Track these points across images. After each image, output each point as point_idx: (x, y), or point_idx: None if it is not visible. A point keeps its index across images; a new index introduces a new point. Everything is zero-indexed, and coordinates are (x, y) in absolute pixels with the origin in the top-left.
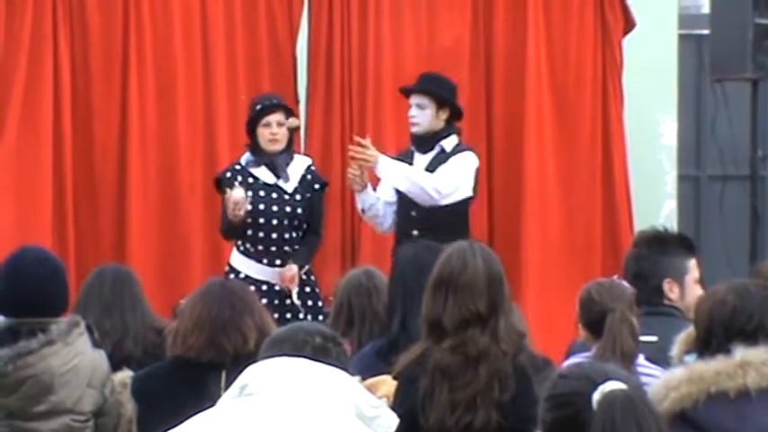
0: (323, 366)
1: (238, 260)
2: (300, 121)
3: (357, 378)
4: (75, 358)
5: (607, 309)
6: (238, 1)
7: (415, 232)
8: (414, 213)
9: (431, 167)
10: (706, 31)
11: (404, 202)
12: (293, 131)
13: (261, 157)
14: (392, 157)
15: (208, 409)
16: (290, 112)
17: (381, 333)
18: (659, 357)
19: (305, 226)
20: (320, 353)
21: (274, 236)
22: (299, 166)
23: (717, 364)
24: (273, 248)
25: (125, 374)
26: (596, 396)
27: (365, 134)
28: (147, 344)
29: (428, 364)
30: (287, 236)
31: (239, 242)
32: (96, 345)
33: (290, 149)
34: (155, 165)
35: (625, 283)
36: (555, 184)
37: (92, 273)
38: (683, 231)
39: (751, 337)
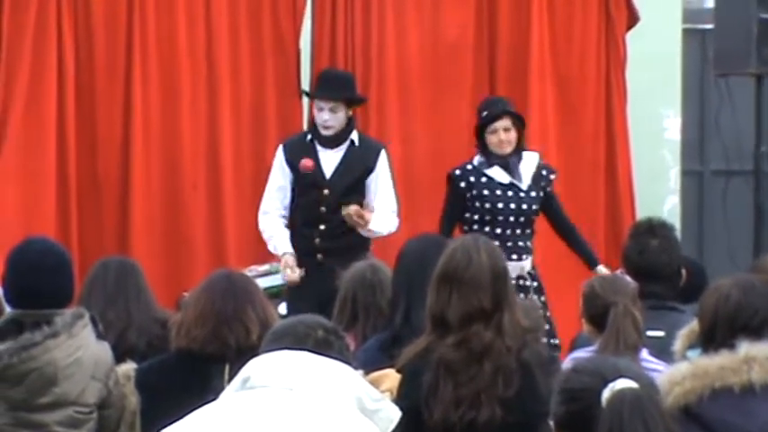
0: (325, 359)
1: None
2: (303, 113)
3: (360, 372)
4: (79, 350)
5: (610, 302)
6: None
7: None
8: (323, 209)
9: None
10: (710, 26)
11: (309, 201)
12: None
13: (492, 158)
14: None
15: (211, 402)
16: (520, 119)
17: (385, 328)
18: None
19: (533, 222)
20: (322, 346)
21: (508, 232)
22: (529, 163)
23: (721, 359)
24: (509, 244)
25: (129, 366)
26: (605, 393)
27: (368, 126)
28: (150, 336)
29: (432, 359)
30: (518, 231)
31: None
32: (100, 336)
33: (519, 150)
34: (158, 158)
35: (628, 278)
36: (558, 178)
37: (96, 264)
38: (686, 227)
39: (755, 333)
